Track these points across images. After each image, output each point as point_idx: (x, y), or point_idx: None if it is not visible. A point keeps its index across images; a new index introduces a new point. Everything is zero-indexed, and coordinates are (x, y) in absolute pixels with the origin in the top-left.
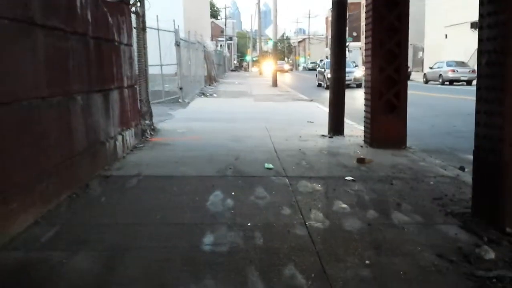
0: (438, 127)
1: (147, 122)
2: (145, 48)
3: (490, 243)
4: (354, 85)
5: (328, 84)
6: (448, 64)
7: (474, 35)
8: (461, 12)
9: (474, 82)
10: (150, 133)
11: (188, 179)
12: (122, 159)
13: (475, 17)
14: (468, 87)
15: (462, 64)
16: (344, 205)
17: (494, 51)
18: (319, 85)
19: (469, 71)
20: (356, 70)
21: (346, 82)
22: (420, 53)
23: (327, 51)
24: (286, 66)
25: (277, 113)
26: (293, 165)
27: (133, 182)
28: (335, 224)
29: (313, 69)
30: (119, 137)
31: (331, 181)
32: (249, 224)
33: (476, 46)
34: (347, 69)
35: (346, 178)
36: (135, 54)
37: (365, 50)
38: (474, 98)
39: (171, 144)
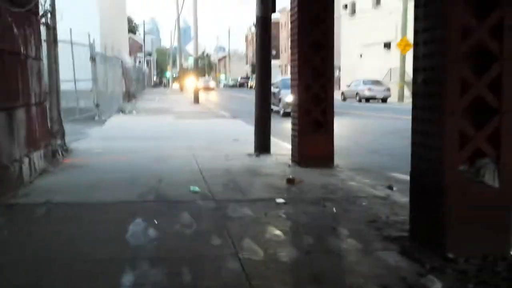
0: (362, 145)
1: (58, 142)
2: (56, 62)
3: (433, 270)
4: None
5: (286, 110)
6: (364, 82)
7: (387, 55)
8: (375, 32)
9: (389, 99)
10: (63, 154)
11: (105, 206)
12: (29, 184)
13: (388, 38)
14: (384, 105)
15: (377, 82)
16: (278, 232)
17: (431, 69)
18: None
19: (384, 89)
20: None
21: None
22: (337, 72)
23: (248, 68)
24: (212, 83)
25: (200, 131)
26: (220, 187)
27: (41, 211)
28: (271, 254)
29: (235, 86)
30: (26, 160)
31: (261, 204)
32: (174, 258)
33: (389, 65)
34: None
35: (277, 200)
36: (45, 68)
37: (291, 67)
38: (392, 116)
39: (86, 166)
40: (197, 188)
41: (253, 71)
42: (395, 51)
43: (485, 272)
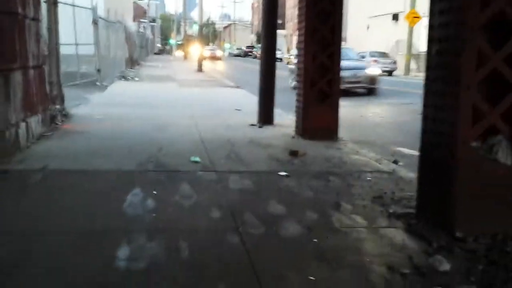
0: (366, 117)
1: (57, 107)
2: (56, 24)
3: (441, 250)
4: (364, 90)
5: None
6: (371, 54)
7: (395, 27)
8: (383, 3)
9: (395, 72)
10: (62, 120)
11: (103, 174)
12: (26, 149)
13: (396, 9)
14: (390, 78)
15: (384, 54)
16: (280, 206)
17: (447, 39)
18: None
19: (391, 62)
20: (368, 64)
21: (352, 85)
22: (343, 43)
23: (253, 37)
24: (219, 52)
25: (203, 99)
26: (221, 158)
27: (36, 177)
28: (272, 230)
29: (239, 55)
30: (23, 124)
31: (263, 176)
32: (172, 231)
33: (396, 37)
34: (349, 63)
35: (280, 173)
36: (45, 31)
37: (298, 35)
38: (396, 89)
39: (85, 132)
40: (198, 158)
41: (258, 41)
42: (402, 23)
43: (494, 252)
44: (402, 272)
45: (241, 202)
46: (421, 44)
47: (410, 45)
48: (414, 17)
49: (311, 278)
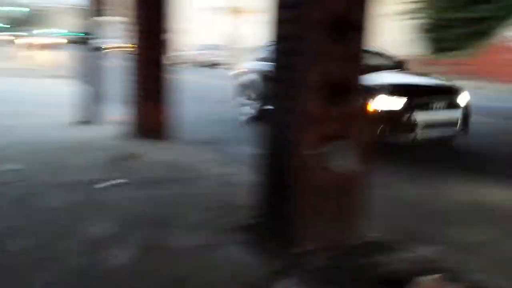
0: (201, 114)
1: None
2: None
3: (283, 271)
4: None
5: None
6: (201, 47)
7: (230, 20)
8: None
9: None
10: None
11: None
12: None
13: (218, 3)
14: (221, 71)
15: (214, 47)
16: (107, 225)
17: (286, 37)
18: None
19: (219, 55)
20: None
21: (443, 133)
22: (189, 36)
23: (88, 22)
24: (55, 38)
25: (21, 92)
26: (36, 165)
27: None
28: (96, 259)
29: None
30: None
31: (88, 187)
32: None
33: (230, 30)
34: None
35: (107, 182)
36: None
37: (126, 25)
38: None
39: None
40: (9, 167)
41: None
42: (228, 16)
43: (331, 270)
44: None
45: (58, 224)
46: (248, 38)
47: (237, 39)
48: (237, 12)
49: None
